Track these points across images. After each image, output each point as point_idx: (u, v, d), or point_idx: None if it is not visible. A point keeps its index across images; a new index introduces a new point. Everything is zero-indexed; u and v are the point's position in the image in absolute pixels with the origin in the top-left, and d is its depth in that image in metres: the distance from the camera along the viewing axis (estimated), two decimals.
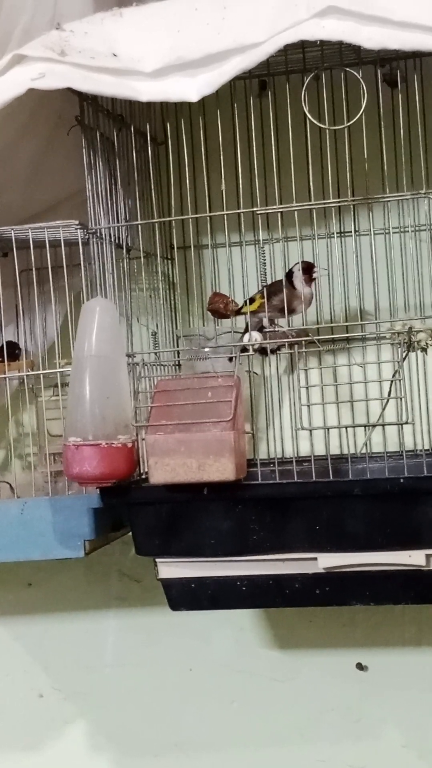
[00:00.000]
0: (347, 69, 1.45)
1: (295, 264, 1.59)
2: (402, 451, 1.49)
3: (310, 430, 1.46)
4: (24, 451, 1.71)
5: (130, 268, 1.58)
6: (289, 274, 1.59)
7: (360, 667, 1.77)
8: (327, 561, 1.43)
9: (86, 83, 1.39)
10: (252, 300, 1.58)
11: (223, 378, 1.44)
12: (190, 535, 1.45)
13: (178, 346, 1.68)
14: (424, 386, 1.65)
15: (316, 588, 1.45)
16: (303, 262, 1.57)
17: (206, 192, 1.55)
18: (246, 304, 1.57)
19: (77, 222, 1.50)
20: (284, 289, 1.56)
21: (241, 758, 1.81)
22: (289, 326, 1.56)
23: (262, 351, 1.56)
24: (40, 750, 1.88)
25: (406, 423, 1.43)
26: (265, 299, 1.53)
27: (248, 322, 1.55)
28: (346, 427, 1.61)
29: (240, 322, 1.60)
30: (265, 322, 1.55)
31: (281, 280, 1.57)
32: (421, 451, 1.66)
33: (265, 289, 1.55)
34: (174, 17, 1.39)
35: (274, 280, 1.59)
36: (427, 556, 1.41)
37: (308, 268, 1.58)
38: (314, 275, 1.58)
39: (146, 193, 1.59)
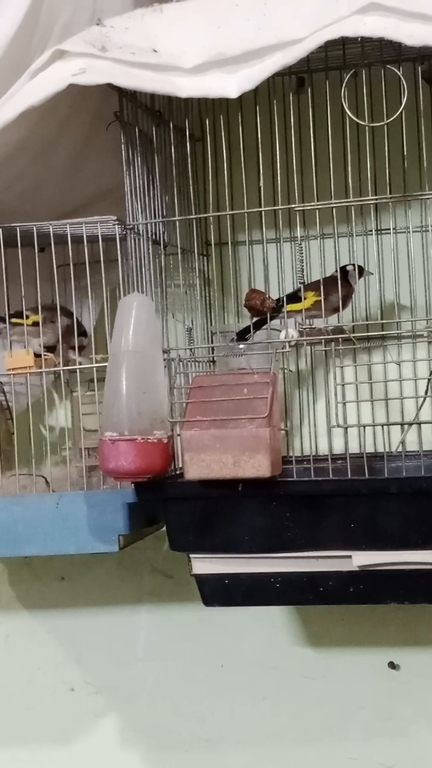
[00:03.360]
0: (387, 66, 1.45)
1: (347, 264, 1.59)
2: None
3: (345, 428, 1.46)
4: (59, 445, 1.72)
5: (166, 264, 1.58)
6: (344, 273, 1.58)
7: (392, 665, 1.76)
8: (361, 559, 1.43)
9: (126, 79, 1.39)
10: (297, 297, 1.56)
11: (258, 374, 1.44)
12: (225, 531, 1.45)
13: (212, 343, 1.68)
14: None
15: (350, 586, 1.45)
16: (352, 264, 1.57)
17: (243, 188, 1.55)
18: (283, 301, 1.56)
19: (115, 218, 1.50)
20: (340, 287, 1.55)
21: (271, 755, 1.81)
22: (325, 323, 1.56)
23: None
24: (71, 743, 1.89)
25: None
26: (323, 297, 1.52)
27: (254, 320, 1.55)
28: (382, 425, 1.61)
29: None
30: (299, 319, 1.55)
31: (334, 277, 1.56)
32: None
33: (321, 285, 1.54)
34: (214, 13, 1.39)
35: (324, 277, 1.58)
36: None
37: (360, 270, 1.58)
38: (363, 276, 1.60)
39: (183, 190, 1.59)
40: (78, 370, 1.59)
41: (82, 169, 1.62)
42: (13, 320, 1.63)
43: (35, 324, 1.62)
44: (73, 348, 1.64)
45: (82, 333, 1.65)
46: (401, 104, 1.42)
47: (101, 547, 1.51)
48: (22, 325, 1.61)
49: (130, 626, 1.87)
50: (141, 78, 1.39)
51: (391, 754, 1.77)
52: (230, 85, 1.37)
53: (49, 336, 1.64)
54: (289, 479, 1.44)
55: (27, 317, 1.62)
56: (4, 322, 1.64)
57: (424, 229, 1.64)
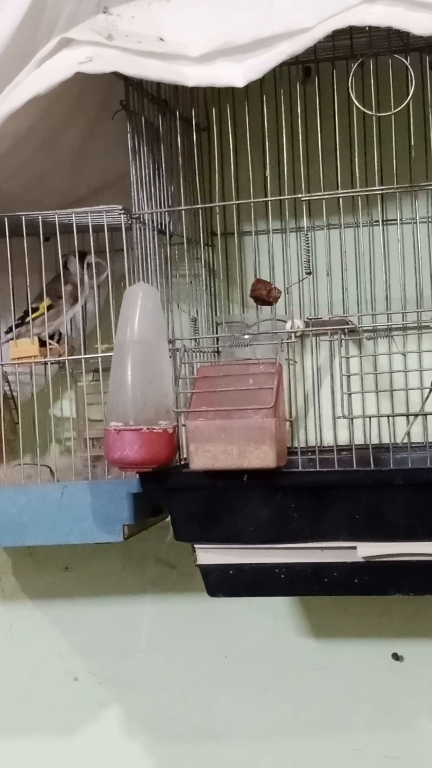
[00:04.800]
0: (394, 55, 1.44)
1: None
2: None
3: (351, 419, 1.45)
4: (63, 435, 1.72)
5: (171, 254, 1.58)
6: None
7: (396, 657, 1.76)
8: (366, 550, 1.42)
9: (133, 67, 1.38)
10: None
11: (264, 365, 1.44)
12: (229, 522, 1.45)
13: (217, 333, 1.68)
14: None
15: (354, 577, 1.45)
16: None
17: (249, 178, 1.54)
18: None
19: (121, 207, 1.50)
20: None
21: (274, 746, 1.81)
22: (330, 314, 1.56)
23: None
24: (74, 733, 1.89)
25: None
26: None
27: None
28: (387, 416, 1.61)
29: (281, 308, 1.59)
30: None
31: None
32: None
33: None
34: (221, 1, 1.38)
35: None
36: None
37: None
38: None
39: (189, 179, 1.59)
40: (82, 360, 1.59)
41: (87, 159, 1.61)
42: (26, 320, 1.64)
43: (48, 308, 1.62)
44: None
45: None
46: (408, 94, 1.41)
47: (105, 537, 1.51)
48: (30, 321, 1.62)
49: (134, 616, 1.87)
50: (147, 67, 1.38)
51: (395, 745, 1.77)
52: (237, 74, 1.36)
53: (55, 320, 1.64)
54: (295, 470, 1.44)
55: (37, 309, 1.62)
56: (11, 331, 1.64)
57: (430, 219, 1.63)
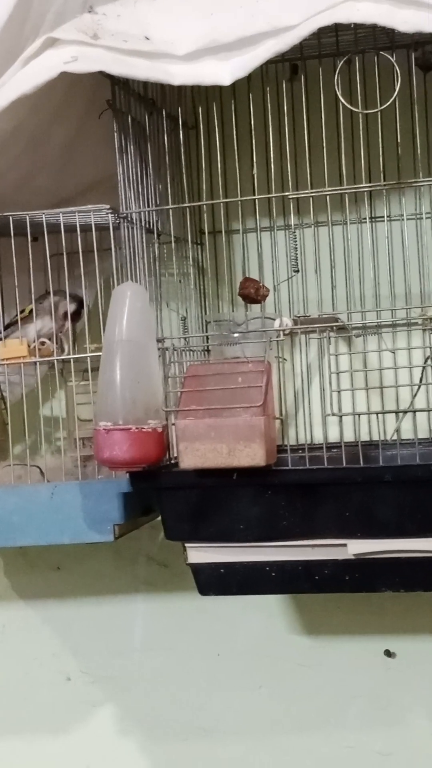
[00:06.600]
0: (380, 53, 1.44)
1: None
2: None
3: (340, 416, 1.45)
4: (53, 435, 1.72)
5: (160, 253, 1.58)
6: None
7: (388, 653, 1.77)
8: (357, 547, 1.43)
9: (119, 67, 1.38)
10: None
11: (253, 363, 1.44)
12: (220, 521, 1.45)
13: (207, 332, 1.68)
14: None
15: (345, 574, 1.45)
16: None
17: (237, 176, 1.54)
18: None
19: (108, 206, 1.50)
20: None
21: (268, 743, 1.82)
22: (319, 311, 1.56)
23: None
24: (67, 733, 1.89)
25: None
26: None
27: None
28: (377, 414, 1.61)
29: (269, 306, 1.59)
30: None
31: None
32: None
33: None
34: (207, 0, 1.38)
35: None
36: None
37: None
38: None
39: (177, 178, 1.58)
40: (72, 360, 1.59)
41: (75, 158, 1.61)
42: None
43: (30, 312, 1.62)
44: (66, 315, 1.63)
45: (74, 298, 1.64)
46: (395, 91, 1.41)
47: (96, 537, 1.51)
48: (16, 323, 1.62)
49: (126, 616, 1.87)
50: (133, 66, 1.38)
51: (387, 742, 1.78)
52: (223, 72, 1.36)
53: (45, 319, 1.63)
54: (284, 468, 1.44)
55: (22, 311, 1.62)
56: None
57: (418, 216, 1.63)
